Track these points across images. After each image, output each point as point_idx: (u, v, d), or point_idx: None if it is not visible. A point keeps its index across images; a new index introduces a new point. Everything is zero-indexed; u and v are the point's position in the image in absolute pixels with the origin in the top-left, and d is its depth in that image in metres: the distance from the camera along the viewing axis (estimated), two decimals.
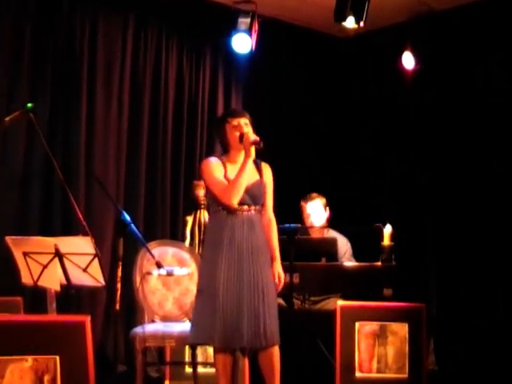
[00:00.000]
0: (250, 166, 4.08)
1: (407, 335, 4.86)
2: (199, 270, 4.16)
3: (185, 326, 4.68)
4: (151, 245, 4.80)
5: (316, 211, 5.74)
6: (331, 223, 5.88)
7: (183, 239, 5.54)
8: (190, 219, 5.56)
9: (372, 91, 6.75)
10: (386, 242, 5.28)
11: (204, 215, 5.52)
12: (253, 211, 4.09)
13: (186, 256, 5.06)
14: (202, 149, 6.49)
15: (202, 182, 5.50)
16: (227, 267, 3.99)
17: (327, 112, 6.97)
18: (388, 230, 5.29)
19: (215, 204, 4.09)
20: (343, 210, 6.21)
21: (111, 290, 3.93)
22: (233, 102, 6.67)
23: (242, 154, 4.08)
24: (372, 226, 5.35)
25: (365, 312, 4.91)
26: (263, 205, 4.19)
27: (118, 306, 3.75)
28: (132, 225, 3.73)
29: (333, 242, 5.42)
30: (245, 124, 4.10)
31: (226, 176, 4.06)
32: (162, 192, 6.19)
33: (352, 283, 5.23)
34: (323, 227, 5.77)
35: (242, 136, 4.04)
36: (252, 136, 4.03)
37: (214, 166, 4.09)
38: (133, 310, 5.37)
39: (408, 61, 6.24)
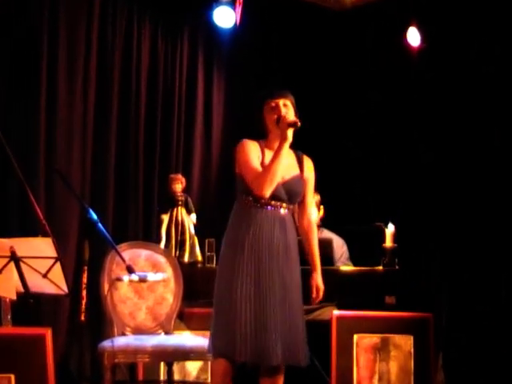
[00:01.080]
0: (288, 153, 4.03)
1: (412, 349, 4.89)
2: (217, 272, 4.07)
3: (160, 340, 4.67)
4: (121, 247, 4.79)
5: None
6: (325, 222, 5.90)
7: (158, 240, 5.51)
8: (165, 218, 5.54)
9: (371, 69, 6.80)
10: (388, 243, 5.31)
11: (182, 213, 5.52)
12: (286, 210, 4.04)
13: (162, 259, 5.05)
14: (180, 138, 6.50)
15: (179, 176, 5.62)
16: (254, 273, 3.92)
17: (322, 93, 6.94)
18: (390, 229, 5.32)
19: (244, 194, 4.01)
20: (339, 206, 6.23)
21: (75, 298, 3.90)
22: (214, 84, 6.69)
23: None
24: (372, 226, 5.39)
25: (364, 323, 4.95)
26: (301, 204, 4.15)
27: (84, 316, 3.72)
28: (99, 224, 3.70)
29: (328, 244, 5.42)
30: (284, 105, 4.06)
31: (263, 163, 3.99)
32: (133, 187, 6.20)
33: (350, 290, 5.25)
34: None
35: (278, 119, 4.00)
36: (290, 117, 4.00)
37: (251, 149, 4.02)
38: (100, 322, 5.35)
39: (413, 37, 6.24)
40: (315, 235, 4.16)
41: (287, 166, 4.04)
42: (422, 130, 6.46)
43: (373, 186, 6.69)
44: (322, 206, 5.83)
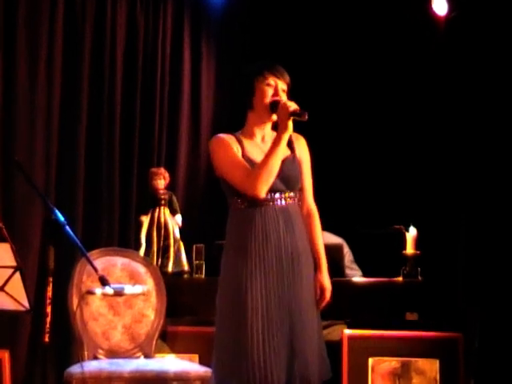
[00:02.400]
0: (272, 134, 4.03)
1: (438, 375, 4.91)
2: (219, 287, 4.05)
3: (139, 364, 4.67)
4: (93, 254, 4.80)
5: None
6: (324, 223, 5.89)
7: (137, 246, 5.54)
8: (145, 220, 5.55)
9: (386, 45, 6.77)
10: (410, 249, 5.32)
11: (165, 214, 5.52)
12: (288, 200, 4.01)
13: (141, 269, 5.06)
14: (163, 126, 6.51)
15: (161, 170, 5.65)
16: (262, 282, 3.91)
17: (326, 71, 6.92)
18: (412, 233, 5.32)
19: (234, 197, 4.02)
20: (350, 205, 6.27)
21: (38, 315, 3.89)
22: (203, 62, 6.70)
23: (266, 128, 4.05)
24: (390, 229, 5.41)
25: (381, 344, 5.00)
26: (300, 190, 4.12)
27: (48, 337, 3.70)
28: (67, 227, 3.66)
29: (337, 250, 5.43)
30: (282, 90, 4.04)
31: (244, 156, 3.99)
32: (107, 183, 6.20)
33: (364, 305, 5.27)
34: None
35: (275, 104, 3.97)
36: (292, 104, 3.93)
37: (230, 144, 4.01)
38: (68, 343, 5.39)
39: (439, 5, 6.29)
40: (318, 227, 4.14)
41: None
42: (447, 116, 6.46)
43: (390, 180, 6.65)
44: None
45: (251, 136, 4.07)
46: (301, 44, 6.83)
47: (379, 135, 6.83)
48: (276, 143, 3.92)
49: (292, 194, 4.04)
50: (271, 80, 4.03)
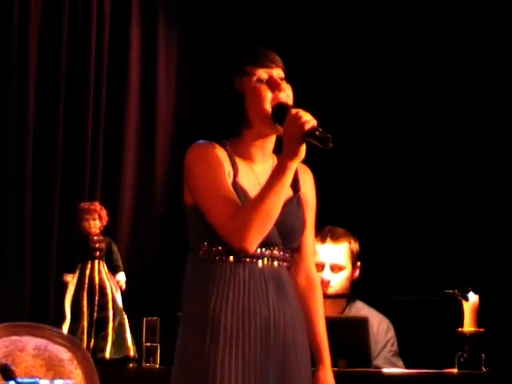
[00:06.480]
0: (267, 158, 4.03)
1: None
2: (174, 375, 4.01)
3: None
4: None
5: (333, 260, 5.84)
6: (357, 290, 5.96)
7: (59, 321, 5.53)
8: (71, 280, 5.55)
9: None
10: (469, 326, 5.30)
11: (101, 271, 5.51)
12: (281, 261, 4.01)
13: (64, 355, 4.98)
14: (97, 139, 6.62)
15: (96, 206, 5.69)
16: (239, 377, 3.86)
17: (328, 57, 7.11)
18: (471, 301, 5.31)
19: (206, 241, 3.98)
20: (384, 263, 6.56)
21: None
22: (160, 44, 6.89)
23: (267, 144, 4.01)
24: (440, 296, 5.44)
25: None
26: (297, 249, 4.12)
27: None
28: None
29: (360, 326, 5.51)
30: (280, 79, 3.98)
31: (235, 184, 3.95)
32: (14, 225, 6.32)
33: None
34: (339, 296, 5.90)
35: (281, 110, 3.89)
36: (309, 118, 3.80)
37: (217, 161, 3.95)
38: None
39: None
40: (320, 305, 4.17)
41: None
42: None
43: (440, 228, 6.89)
44: (358, 263, 5.99)
45: (246, 157, 4.01)
46: (291, 17, 7.08)
47: (422, 166, 7.03)
48: (279, 174, 3.84)
49: (288, 253, 4.05)
50: (261, 72, 3.97)
